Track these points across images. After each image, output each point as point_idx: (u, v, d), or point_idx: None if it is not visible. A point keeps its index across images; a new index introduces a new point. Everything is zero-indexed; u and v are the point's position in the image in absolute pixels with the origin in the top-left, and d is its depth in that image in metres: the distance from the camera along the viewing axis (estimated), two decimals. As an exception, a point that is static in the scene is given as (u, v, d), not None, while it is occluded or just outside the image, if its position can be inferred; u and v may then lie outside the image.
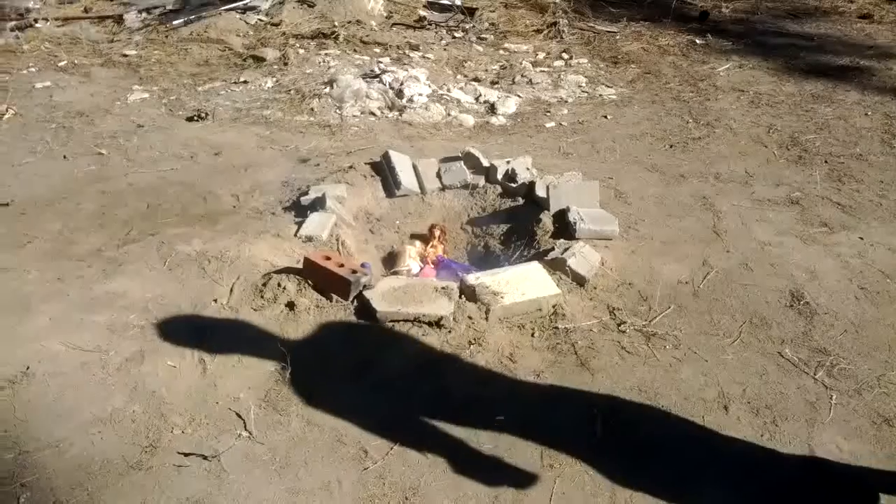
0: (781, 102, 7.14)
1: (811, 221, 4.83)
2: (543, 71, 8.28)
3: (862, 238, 4.63)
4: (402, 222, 5.13)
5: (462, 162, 5.30)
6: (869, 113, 6.79)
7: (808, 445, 3.04)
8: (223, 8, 9.81)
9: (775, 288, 4.11)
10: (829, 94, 7.34)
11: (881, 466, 2.93)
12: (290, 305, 3.80)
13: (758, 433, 3.11)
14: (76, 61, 8.58)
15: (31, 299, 3.91)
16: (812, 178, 5.48)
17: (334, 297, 3.85)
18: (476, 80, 8.03)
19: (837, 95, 7.28)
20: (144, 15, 10.17)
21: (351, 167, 5.35)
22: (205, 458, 2.96)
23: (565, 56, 8.80)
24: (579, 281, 4.06)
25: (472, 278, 3.95)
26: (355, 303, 3.84)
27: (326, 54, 8.58)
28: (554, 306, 3.86)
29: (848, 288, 4.12)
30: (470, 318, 3.71)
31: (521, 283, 3.91)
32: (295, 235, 4.49)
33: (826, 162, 5.75)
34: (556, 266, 4.10)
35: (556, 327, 3.74)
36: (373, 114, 6.98)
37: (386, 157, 5.36)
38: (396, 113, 7.01)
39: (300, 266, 4.00)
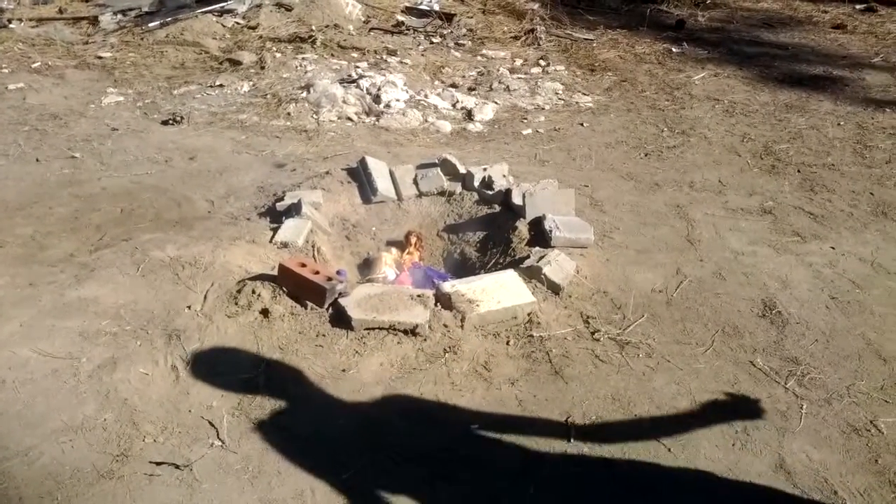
0: (756, 112, 7.22)
1: (783, 231, 4.88)
2: (521, 78, 8.31)
3: (833, 248, 4.68)
4: (378, 229, 5.13)
5: (439, 168, 5.31)
6: (841, 123, 6.87)
7: (778, 454, 3.06)
8: (199, 10, 9.76)
9: (748, 297, 4.14)
10: (803, 103, 7.43)
11: (850, 476, 2.96)
12: (265, 313, 3.78)
13: (729, 442, 3.13)
14: (50, 63, 8.51)
15: (2, 305, 3.86)
16: (785, 187, 5.54)
17: (309, 304, 3.83)
18: (453, 86, 8.06)
19: (811, 105, 7.37)
20: (120, 17, 10.10)
21: (327, 173, 5.35)
22: (177, 466, 2.94)
23: (542, 63, 8.84)
24: (554, 289, 4.07)
25: (448, 286, 3.95)
26: (330, 310, 3.82)
27: (304, 58, 8.57)
28: (529, 314, 3.87)
29: (819, 297, 4.16)
30: (445, 326, 3.72)
31: (497, 292, 3.92)
32: (270, 242, 4.48)
33: (799, 171, 5.82)
34: (532, 274, 4.12)
35: (531, 335, 3.75)
36: (350, 119, 6.98)
37: (363, 162, 5.36)
38: (373, 118, 7.01)
39: (275, 273, 3.99)
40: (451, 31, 10.00)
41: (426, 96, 7.57)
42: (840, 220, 5.05)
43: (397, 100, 7.30)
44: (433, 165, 5.36)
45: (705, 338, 3.81)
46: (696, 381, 3.49)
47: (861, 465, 3.02)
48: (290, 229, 4.54)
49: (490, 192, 5.10)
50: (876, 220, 5.03)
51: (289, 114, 7.03)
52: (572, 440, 3.13)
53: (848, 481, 2.94)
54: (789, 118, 7.03)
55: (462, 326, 3.74)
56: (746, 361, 3.63)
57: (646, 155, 6.22)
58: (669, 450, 3.09)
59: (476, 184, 5.19)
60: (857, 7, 11.17)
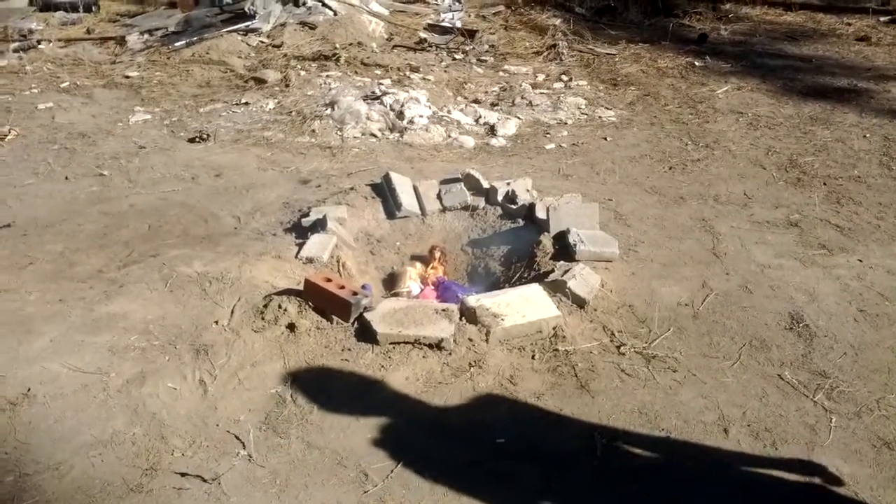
0: (780, 124, 7.18)
1: (810, 243, 4.84)
2: (543, 93, 8.33)
3: (861, 260, 4.64)
4: (402, 244, 5.15)
5: (462, 183, 5.33)
6: (867, 135, 6.82)
7: (807, 470, 3.04)
8: (225, 30, 9.89)
9: (775, 310, 4.11)
10: (828, 116, 7.38)
11: (881, 490, 2.92)
12: (291, 327, 3.81)
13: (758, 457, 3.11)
14: (78, 82, 8.65)
15: (33, 320, 3.92)
16: (811, 200, 5.50)
17: (335, 318, 3.86)
18: (476, 101, 8.08)
19: (836, 117, 7.32)
20: (146, 36, 10.25)
21: (352, 189, 5.38)
22: (205, 480, 2.96)
23: (565, 78, 8.85)
24: (579, 303, 4.06)
25: (473, 300, 3.96)
26: (356, 325, 3.84)
27: (327, 76, 8.64)
28: (554, 328, 3.86)
29: (847, 310, 4.12)
30: (470, 340, 3.72)
31: (522, 306, 3.92)
32: (296, 257, 4.51)
33: (825, 184, 5.78)
34: (557, 288, 4.11)
35: (557, 349, 3.75)
36: (373, 135, 7.02)
37: (387, 178, 5.39)
38: (397, 134, 7.04)
39: (301, 288, 4.01)
40: (474, 48, 10.05)
41: (449, 112, 7.60)
42: (867, 232, 5.00)
43: (420, 116, 7.34)
44: (457, 180, 5.38)
45: (732, 351, 3.78)
46: (723, 394, 3.46)
47: (892, 479, 2.98)
48: (316, 245, 4.57)
49: (514, 207, 5.10)
50: (904, 233, 4.99)
51: (313, 131, 7.08)
52: (599, 454, 3.12)
53: (879, 496, 2.90)
54: (814, 131, 6.98)
55: (487, 340, 3.75)
56: (774, 375, 3.60)
57: (670, 168, 6.20)
58: (697, 463, 3.07)
59: (500, 198, 5.20)
60: (882, 19, 11.08)
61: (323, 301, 3.90)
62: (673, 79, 8.83)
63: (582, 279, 4.16)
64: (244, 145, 6.79)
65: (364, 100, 7.66)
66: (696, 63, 9.38)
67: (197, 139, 6.86)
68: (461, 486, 2.95)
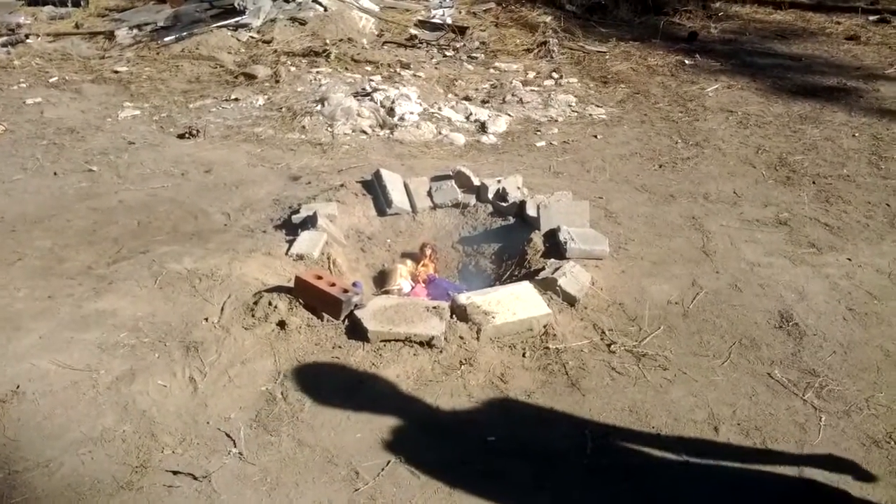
0: (770, 123, 7.20)
1: (799, 242, 4.86)
2: (534, 90, 8.32)
3: (850, 259, 4.66)
4: (393, 241, 5.14)
5: (453, 181, 5.32)
6: (856, 134, 6.85)
7: (797, 467, 3.05)
8: (215, 25, 9.84)
9: (764, 309, 4.13)
10: (817, 114, 7.41)
11: (870, 489, 2.94)
12: (282, 324, 3.80)
13: (749, 454, 3.11)
14: (67, 77, 8.59)
15: (21, 317, 3.89)
16: (800, 198, 5.52)
17: (325, 316, 3.85)
18: (467, 98, 8.07)
19: (825, 116, 7.35)
20: (136, 31, 10.19)
21: (342, 185, 5.37)
22: (195, 478, 2.95)
23: (555, 75, 8.85)
24: (570, 301, 4.06)
25: (464, 298, 3.96)
26: (346, 322, 3.84)
27: (318, 72, 8.62)
28: (545, 326, 3.87)
29: (836, 309, 4.14)
30: (461, 338, 3.72)
31: (513, 303, 3.92)
32: (286, 254, 4.50)
33: (814, 183, 5.80)
34: (547, 286, 4.11)
35: (547, 347, 3.75)
36: (364, 132, 7.00)
37: (377, 175, 5.38)
38: (388, 131, 7.04)
39: (291, 285, 4.00)
40: (464, 45, 10.04)
41: (440, 109, 7.59)
42: (856, 231, 5.02)
43: (411, 112, 7.33)
44: (447, 178, 5.38)
45: (722, 350, 3.79)
46: (713, 392, 3.48)
47: (881, 478, 3.00)
48: (306, 241, 4.56)
49: (504, 204, 5.10)
50: (892, 232, 5.00)
51: (304, 127, 7.06)
52: (589, 452, 3.13)
53: (868, 493, 2.93)
54: (804, 129, 7.01)
55: (478, 338, 3.75)
56: (764, 373, 3.62)
57: (660, 166, 6.21)
58: (688, 462, 3.08)
59: (490, 196, 5.20)
60: (871, 18, 11.12)
61: (313, 298, 3.89)
62: (663, 77, 8.85)
63: (573, 277, 4.17)
64: (234, 141, 6.77)
65: (354, 96, 7.65)
66: (686, 61, 9.40)
67: (186, 135, 6.83)
68: (452, 484, 2.95)
